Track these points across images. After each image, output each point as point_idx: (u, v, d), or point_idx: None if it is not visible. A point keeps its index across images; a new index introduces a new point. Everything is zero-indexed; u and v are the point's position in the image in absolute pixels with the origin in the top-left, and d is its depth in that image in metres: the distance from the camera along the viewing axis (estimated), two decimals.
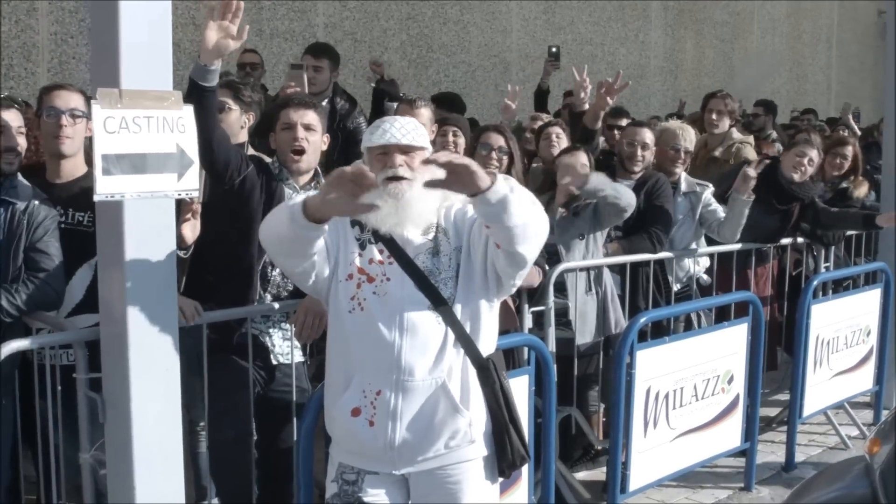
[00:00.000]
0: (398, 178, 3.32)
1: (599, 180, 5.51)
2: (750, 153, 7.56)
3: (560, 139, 6.57)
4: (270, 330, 4.44)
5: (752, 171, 6.22)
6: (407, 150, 3.40)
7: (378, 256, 3.44)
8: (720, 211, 6.35)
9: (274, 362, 4.43)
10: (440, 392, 3.38)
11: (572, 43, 13.94)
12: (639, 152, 6.19)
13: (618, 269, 5.97)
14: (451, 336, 3.40)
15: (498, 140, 5.27)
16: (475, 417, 3.45)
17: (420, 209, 3.38)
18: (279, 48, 10.61)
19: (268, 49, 10.33)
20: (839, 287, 7.42)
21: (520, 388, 4.59)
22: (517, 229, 3.15)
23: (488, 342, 3.52)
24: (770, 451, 6.84)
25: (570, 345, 5.59)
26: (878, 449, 4.01)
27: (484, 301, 3.48)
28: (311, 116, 4.41)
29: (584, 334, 5.62)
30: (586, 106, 6.40)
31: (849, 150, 7.44)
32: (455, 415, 3.39)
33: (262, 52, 10.36)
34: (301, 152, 4.37)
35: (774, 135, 10.70)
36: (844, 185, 7.39)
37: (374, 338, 3.36)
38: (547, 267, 5.29)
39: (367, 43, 11.61)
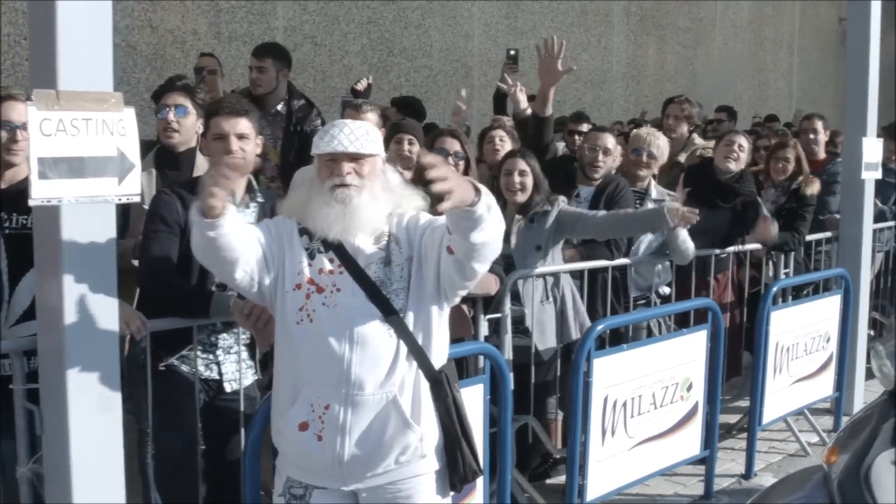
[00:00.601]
0: (345, 186, 3.28)
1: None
2: None
3: (504, 142, 6.46)
4: (221, 358, 4.31)
5: (674, 204, 6.08)
6: (356, 157, 3.33)
7: (328, 266, 3.35)
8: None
9: (228, 389, 4.30)
10: (391, 406, 3.29)
11: (534, 48, 13.87)
12: (600, 158, 6.11)
13: (578, 276, 5.89)
14: (404, 348, 3.32)
15: (454, 145, 5.18)
16: (426, 432, 3.37)
17: (368, 216, 3.32)
18: (238, 51, 10.49)
19: (226, 52, 10.21)
20: (800, 293, 7.40)
21: (474, 396, 4.52)
22: (479, 247, 3.11)
23: (440, 353, 3.44)
24: (730, 459, 6.79)
25: (529, 353, 5.50)
26: (835, 458, 3.95)
27: (435, 311, 3.40)
28: (243, 125, 4.19)
29: (542, 342, 5.53)
30: (528, 111, 6.25)
31: (790, 153, 7.41)
32: (406, 430, 3.31)
33: (220, 55, 10.22)
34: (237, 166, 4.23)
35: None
36: (795, 185, 7.36)
37: (323, 350, 3.27)
38: (504, 274, 5.21)
39: (328, 47, 11.53)
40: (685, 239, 6.06)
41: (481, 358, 4.72)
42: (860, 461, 3.83)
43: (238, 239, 3.23)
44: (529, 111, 6.38)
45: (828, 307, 7.11)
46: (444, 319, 3.46)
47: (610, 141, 6.17)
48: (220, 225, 3.13)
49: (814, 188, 7.37)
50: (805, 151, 8.27)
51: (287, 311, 3.33)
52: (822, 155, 8.41)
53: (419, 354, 3.34)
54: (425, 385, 3.36)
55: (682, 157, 7.62)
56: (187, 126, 4.98)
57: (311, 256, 3.37)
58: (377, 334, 3.28)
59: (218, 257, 3.24)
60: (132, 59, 9.88)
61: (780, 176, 7.40)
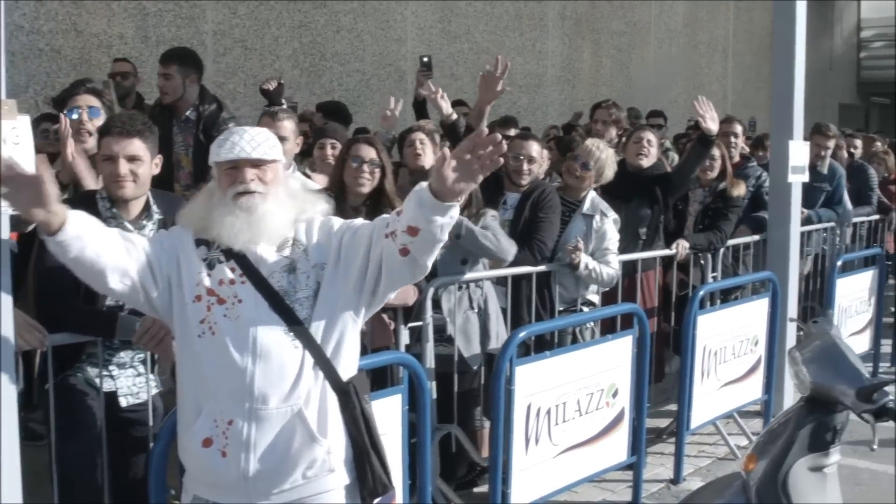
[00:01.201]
0: (250, 193, 3.19)
1: (491, 225, 5.45)
2: None
3: (424, 146, 6.43)
4: (115, 372, 4.19)
5: (576, 252, 6.07)
6: (258, 163, 3.24)
7: (230, 275, 3.24)
8: (606, 253, 6.25)
9: (124, 404, 4.18)
10: (296, 420, 3.19)
11: (469, 52, 13.87)
12: (525, 166, 6.05)
13: (502, 283, 5.83)
14: (309, 360, 3.21)
15: (369, 152, 5.08)
16: (334, 445, 3.27)
17: (274, 224, 3.24)
18: None
19: (153, 57, 9.96)
20: (728, 297, 7.41)
21: (393, 407, 4.46)
22: (439, 244, 3.08)
23: (349, 364, 3.35)
24: (659, 464, 6.78)
25: (452, 361, 5.43)
26: (753, 465, 3.95)
27: (349, 319, 3.30)
28: (135, 146, 4.06)
29: (467, 350, 5.47)
30: (454, 115, 6.18)
31: (715, 152, 7.43)
32: (312, 444, 3.21)
33: (148, 60, 10.08)
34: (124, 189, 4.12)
35: (668, 144, 10.75)
36: (722, 186, 7.38)
37: (225, 364, 3.16)
38: (424, 283, 5.14)
39: (258, 51, 11.40)
40: (599, 272, 6.04)
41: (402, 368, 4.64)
42: (777, 468, 3.84)
43: (102, 248, 3.11)
44: (455, 116, 6.29)
45: (755, 310, 7.12)
46: (356, 329, 3.37)
47: (534, 148, 6.12)
48: (62, 239, 3.02)
49: (739, 190, 7.41)
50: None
51: (188, 324, 3.22)
52: (736, 158, 8.45)
53: (326, 366, 3.24)
54: (333, 397, 3.27)
55: None
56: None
57: (211, 267, 3.26)
58: (281, 346, 3.18)
59: (80, 268, 3.12)
60: (56, 63, 9.69)
61: (708, 175, 7.41)
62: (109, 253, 3.14)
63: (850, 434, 3.76)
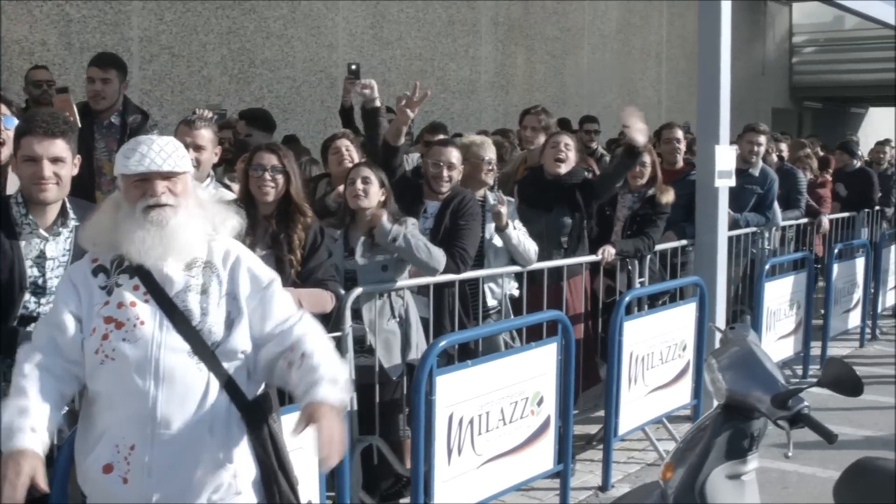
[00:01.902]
0: (161, 206, 3.09)
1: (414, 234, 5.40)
2: None
3: (350, 152, 6.39)
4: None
5: (499, 207, 6.06)
6: (168, 175, 3.14)
7: (130, 298, 3.12)
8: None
9: None
10: (201, 444, 3.09)
11: (401, 58, 13.80)
12: (444, 172, 5.97)
13: (424, 291, 5.76)
14: (215, 382, 3.11)
15: (270, 159, 4.98)
16: (241, 467, 3.17)
17: (187, 238, 3.15)
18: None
19: (77, 64, 9.83)
20: (656, 302, 7.39)
21: None
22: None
23: (256, 384, 3.26)
24: (588, 471, 6.75)
25: (373, 372, 5.35)
26: (671, 474, 3.89)
27: (249, 348, 3.21)
28: (59, 147, 3.97)
29: (388, 360, 5.38)
30: (376, 102, 6.10)
31: (646, 158, 7.42)
32: (218, 468, 3.11)
33: (71, 67, 9.90)
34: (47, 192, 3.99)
35: (601, 150, 10.77)
36: (651, 192, 7.37)
37: (126, 388, 3.05)
38: (342, 291, 5.05)
39: (186, 58, 11.24)
40: (518, 240, 6.01)
41: None
42: (694, 476, 3.79)
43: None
44: (378, 104, 6.24)
45: (683, 315, 7.11)
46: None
47: (454, 155, 6.05)
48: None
49: (668, 196, 7.39)
50: (666, 160, 8.33)
51: (88, 356, 3.11)
52: (680, 163, 8.45)
53: (231, 387, 3.15)
54: (239, 419, 3.18)
55: None
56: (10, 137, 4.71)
57: (109, 293, 3.15)
58: (185, 368, 3.08)
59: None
60: None
61: (638, 181, 7.39)
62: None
63: (780, 437, 3.73)
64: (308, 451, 4.36)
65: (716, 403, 3.96)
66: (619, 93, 18.52)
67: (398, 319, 5.44)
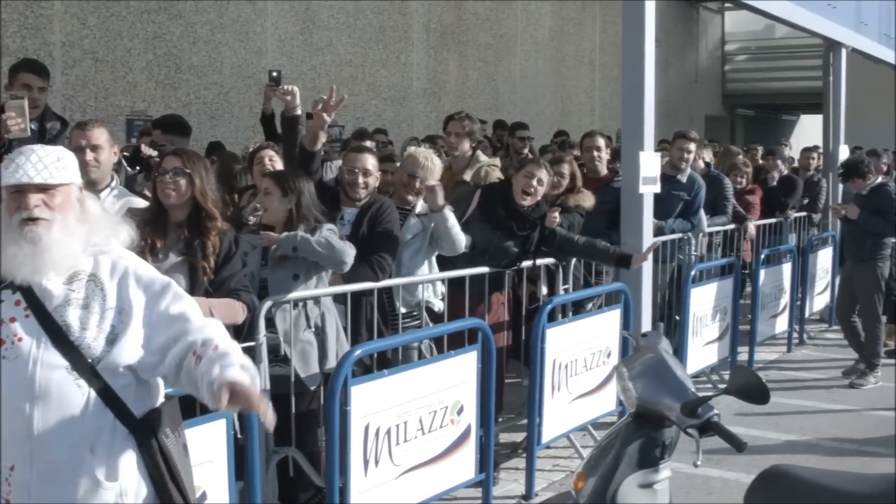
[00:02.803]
0: (34, 220, 2.97)
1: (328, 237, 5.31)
2: (496, 176, 7.46)
3: (273, 162, 6.34)
4: None
5: (431, 182, 6.02)
6: (44, 187, 3.02)
7: (10, 313, 3.00)
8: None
9: None
10: (82, 464, 2.97)
11: (331, 64, 13.71)
12: (360, 179, 5.90)
13: (341, 300, 5.67)
14: (96, 399, 2.99)
15: (174, 162, 4.88)
16: (127, 486, 3.04)
17: (61, 254, 3.02)
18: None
19: None
20: (582, 309, 7.37)
21: (218, 433, 4.26)
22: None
23: (147, 399, 3.15)
24: (513, 479, 6.70)
25: (288, 381, 5.25)
26: (582, 484, 3.86)
27: (143, 362, 3.10)
28: None
29: (305, 370, 5.28)
30: (297, 111, 6.00)
31: (565, 168, 7.41)
32: (98, 488, 2.99)
33: None
34: None
35: (530, 156, 10.73)
36: (571, 203, 7.36)
37: (5, 407, 2.93)
38: (256, 301, 4.95)
39: (110, 63, 11.05)
40: (454, 224, 5.96)
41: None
42: (606, 486, 3.75)
43: None
44: (298, 112, 6.14)
45: (607, 322, 7.09)
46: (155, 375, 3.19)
47: (370, 161, 5.98)
48: None
49: (587, 203, 7.38)
50: (588, 168, 8.33)
51: None
52: (603, 171, 8.46)
53: (116, 404, 3.02)
54: (126, 436, 3.06)
55: (468, 175, 7.50)
56: None
57: None
58: (62, 385, 2.95)
59: None
60: None
61: (555, 190, 7.37)
62: None
63: (705, 443, 3.70)
64: (217, 465, 4.28)
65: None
66: (553, 99, 18.57)
67: (314, 329, 5.35)
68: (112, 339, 3.03)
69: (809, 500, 3.49)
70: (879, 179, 10.01)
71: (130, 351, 3.05)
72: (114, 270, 3.13)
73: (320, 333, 5.37)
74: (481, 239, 6.51)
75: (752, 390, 3.48)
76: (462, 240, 6.15)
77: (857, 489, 3.45)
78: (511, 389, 7.48)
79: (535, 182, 6.66)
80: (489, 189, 6.87)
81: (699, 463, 3.58)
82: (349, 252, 5.34)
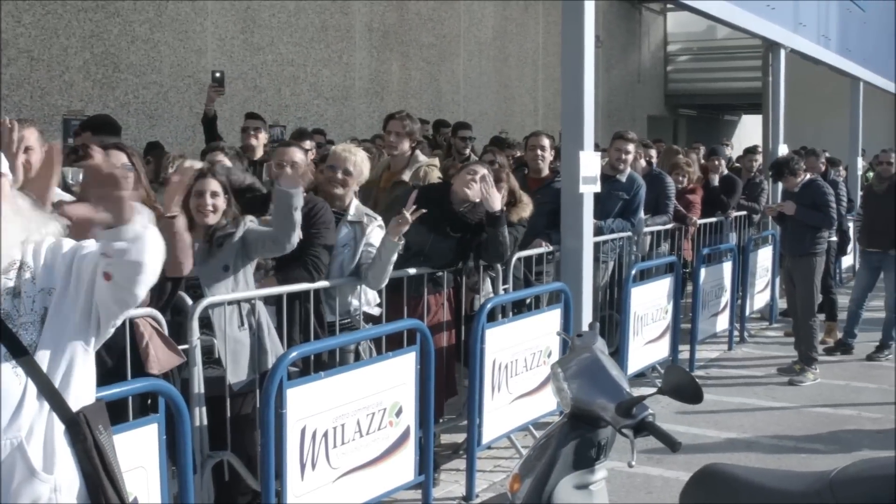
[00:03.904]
0: None
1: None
2: (436, 176, 7.41)
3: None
4: None
5: (407, 216, 5.93)
6: None
7: None
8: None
9: None
10: (16, 454, 2.91)
11: (273, 64, 13.60)
12: (287, 172, 5.84)
13: (273, 301, 5.60)
14: (33, 389, 2.94)
15: (120, 157, 4.81)
16: (62, 481, 2.99)
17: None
18: None
19: None
20: (523, 308, 7.35)
21: (149, 437, 4.19)
22: (136, 267, 2.87)
23: (82, 394, 3.08)
24: (454, 481, 6.67)
25: (223, 383, 5.18)
26: (518, 486, 3.83)
27: (80, 347, 3.05)
28: None
29: (235, 374, 5.21)
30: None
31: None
32: (33, 480, 2.94)
33: None
34: None
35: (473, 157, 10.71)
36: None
37: None
38: (190, 302, 4.88)
39: (46, 62, 10.88)
40: (393, 261, 5.90)
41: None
42: (541, 487, 3.73)
43: None
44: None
45: (547, 322, 7.08)
46: (87, 357, 3.11)
47: (297, 155, 5.92)
48: None
49: (526, 213, 7.36)
50: (531, 168, 8.32)
51: None
52: (545, 171, 8.45)
53: (52, 396, 2.98)
54: (61, 430, 3.01)
55: (407, 175, 7.45)
56: None
57: None
58: (3, 374, 2.91)
59: None
60: None
61: None
62: None
63: (646, 442, 3.69)
64: (149, 471, 4.21)
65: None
66: (496, 100, 18.58)
67: (249, 330, 5.28)
68: (43, 320, 3.00)
69: (744, 498, 3.49)
70: (809, 176, 10.16)
71: (63, 333, 3.01)
72: (37, 252, 3.10)
73: (255, 333, 5.31)
74: (416, 240, 6.44)
75: (685, 390, 3.47)
76: (385, 281, 6.03)
77: (792, 487, 3.45)
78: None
79: (478, 178, 6.59)
80: (425, 190, 6.81)
81: (634, 463, 3.57)
82: (294, 235, 5.32)
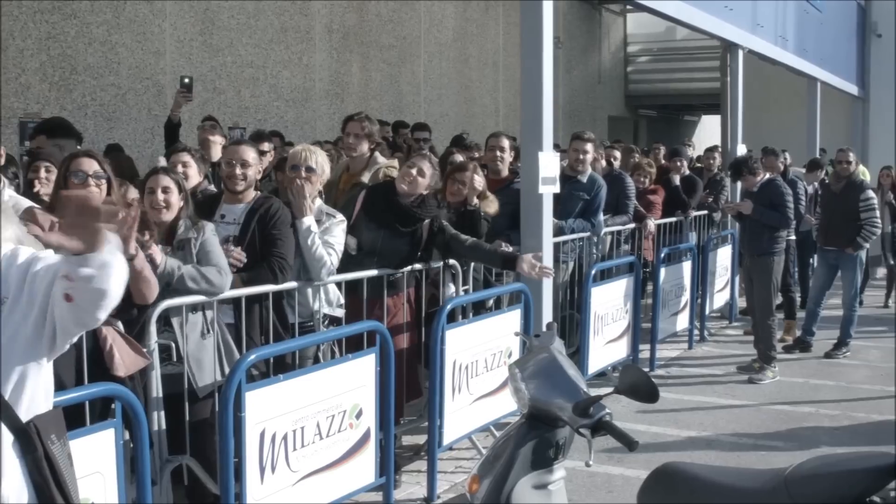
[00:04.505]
0: None
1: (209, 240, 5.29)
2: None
3: (189, 167, 6.32)
4: None
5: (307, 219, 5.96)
6: None
7: None
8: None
9: None
10: None
11: (232, 65, 13.53)
12: (237, 171, 5.79)
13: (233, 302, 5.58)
14: None
15: (92, 165, 4.79)
16: (12, 492, 2.95)
17: None
18: None
19: None
20: (483, 309, 7.35)
21: (106, 443, 4.15)
22: (103, 294, 2.82)
23: (34, 404, 3.04)
24: (416, 482, 6.67)
25: (182, 383, 5.15)
26: (477, 486, 3.84)
27: (33, 359, 2.98)
28: None
29: (201, 378, 5.18)
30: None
31: (467, 176, 7.40)
32: None
33: None
34: None
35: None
36: (471, 207, 7.34)
37: None
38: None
39: (2, 64, 10.73)
40: (314, 243, 5.87)
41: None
42: (500, 488, 3.74)
43: None
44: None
45: (507, 323, 7.08)
46: (43, 367, 3.07)
47: (249, 153, 5.88)
48: None
49: (492, 208, 7.38)
50: (490, 169, 8.34)
51: None
52: (505, 172, 8.47)
53: (2, 406, 2.94)
54: (10, 440, 2.97)
55: (366, 177, 7.44)
56: None
57: None
58: None
59: None
60: None
61: (456, 198, 7.36)
62: None
63: (606, 441, 3.71)
64: (106, 477, 4.17)
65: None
66: (457, 101, 18.58)
67: (212, 333, 5.26)
68: (2, 335, 2.94)
69: (700, 496, 3.51)
70: (768, 176, 10.25)
71: (11, 337, 2.95)
72: None
73: (220, 338, 5.29)
74: (367, 239, 6.44)
75: (641, 389, 3.49)
76: (322, 266, 5.94)
77: (747, 485, 3.49)
78: None
79: (414, 171, 6.57)
80: (372, 189, 6.81)
81: (591, 462, 3.59)
82: (226, 282, 5.29)
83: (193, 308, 5.19)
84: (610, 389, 3.66)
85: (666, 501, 3.62)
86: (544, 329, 4.36)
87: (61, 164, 5.02)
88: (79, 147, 6.64)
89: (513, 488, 3.72)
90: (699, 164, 13.75)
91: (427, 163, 6.69)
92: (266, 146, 8.24)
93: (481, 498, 3.78)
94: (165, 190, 5.24)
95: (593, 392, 3.73)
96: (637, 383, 3.50)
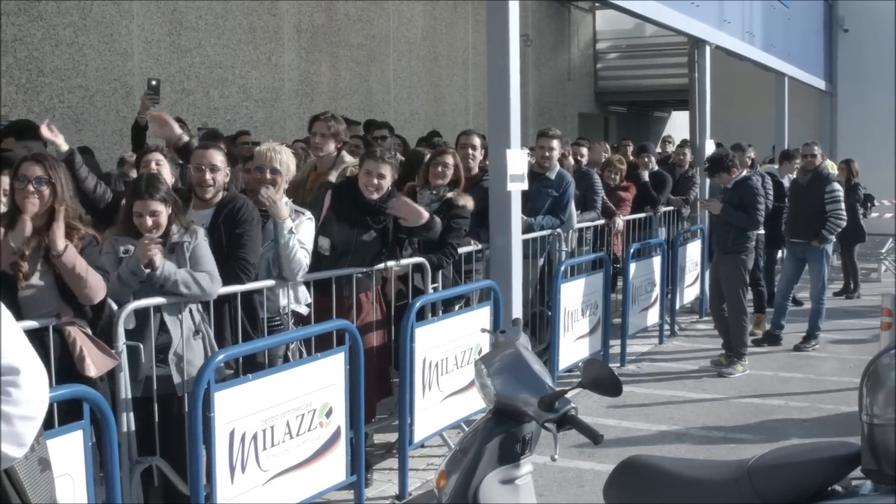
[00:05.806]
0: None
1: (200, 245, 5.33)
2: None
3: (161, 166, 6.24)
4: None
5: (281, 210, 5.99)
6: None
7: None
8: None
9: None
10: None
11: (200, 66, 13.48)
12: (207, 176, 5.80)
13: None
14: None
15: (35, 170, 4.77)
16: None
17: None
18: None
19: None
20: (452, 308, 7.37)
21: (75, 444, 4.16)
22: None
23: None
24: (387, 480, 6.69)
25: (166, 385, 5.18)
26: (444, 482, 3.86)
27: None
28: None
29: (186, 376, 5.21)
30: (184, 138, 6.18)
31: (449, 160, 7.44)
32: None
33: None
34: None
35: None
36: (450, 195, 7.36)
37: None
38: (115, 307, 4.85)
39: None
40: (293, 244, 5.88)
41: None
42: (467, 483, 3.76)
43: None
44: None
45: (477, 319, 7.10)
46: None
47: (217, 157, 5.88)
48: None
49: (467, 201, 7.40)
50: (462, 166, 8.35)
51: None
52: (475, 171, 8.49)
53: None
54: None
55: (333, 176, 7.45)
56: None
57: None
58: None
59: None
60: None
61: (439, 180, 7.39)
62: None
63: (579, 436, 3.73)
64: (75, 479, 4.17)
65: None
66: (427, 99, 18.59)
67: (201, 332, 5.29)
68: None
69: (665, 489, 3.55)
70: (744, 173, 10.29)
71: None
72: None
73: (208, 340, 5.33)
74: (341, 238, 6.46)
75: (604, 382, 3.53)
76: (299, 269, 5.98)
77: (712, 476, 3.53)
78: None
79: (375, 180, 6.55)
80: (337, 188, 6.81)
81: (557, 457, 3.61)
82: (216, 289, 5.35)
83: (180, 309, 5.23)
84: (573, 384, 3.69)
85: (631, 493, 3.66)
86: (510, 324, 4.39)
87: (14, 168, 5.01)
88: (45, 149, 6.62)
89: (480, 483, 3.74)
90: (672, 161, 13.82)
91: (383, 164, 6.60)
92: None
93: (449, 493, 3.81)
94: (154, 213, 5.23)
95: (560, 387, 3.76)
96: (600, 377, 3.53)
